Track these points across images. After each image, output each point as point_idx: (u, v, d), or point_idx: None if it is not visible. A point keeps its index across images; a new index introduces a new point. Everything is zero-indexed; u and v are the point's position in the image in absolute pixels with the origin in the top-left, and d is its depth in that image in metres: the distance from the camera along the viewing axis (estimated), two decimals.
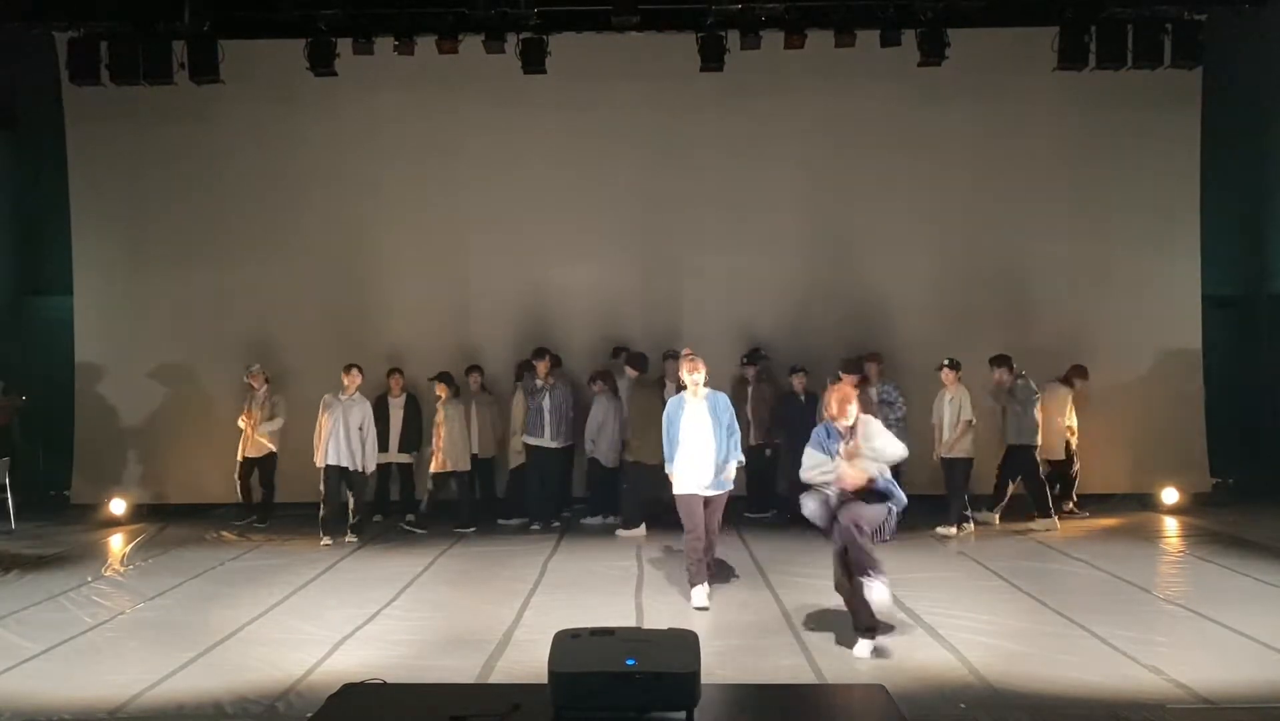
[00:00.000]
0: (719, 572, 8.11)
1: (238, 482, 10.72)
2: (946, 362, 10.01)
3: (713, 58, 10.93)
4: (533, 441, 10.38)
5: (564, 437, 10.46)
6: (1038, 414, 10.07)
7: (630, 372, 10.44)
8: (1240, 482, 11.73)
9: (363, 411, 9.94)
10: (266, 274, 11.72)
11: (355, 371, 9.96)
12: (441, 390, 10.34)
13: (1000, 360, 10.21)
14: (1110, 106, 11.43)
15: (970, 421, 9.90)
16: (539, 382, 10.36)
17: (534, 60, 10.97)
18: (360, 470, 9.93)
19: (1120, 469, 10.99)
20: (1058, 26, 10.81)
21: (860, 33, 10.86)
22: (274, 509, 10.79)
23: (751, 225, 11.66)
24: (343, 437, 9.78)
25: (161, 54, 10.68)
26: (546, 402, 10.31)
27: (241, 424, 10.56)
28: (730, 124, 11.64)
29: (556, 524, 10.44)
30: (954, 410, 9.89)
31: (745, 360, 10.89)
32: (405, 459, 10.89)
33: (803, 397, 10.50)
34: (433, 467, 10.36)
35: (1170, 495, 10.83)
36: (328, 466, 9.80)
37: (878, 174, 11.67)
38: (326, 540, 9.74)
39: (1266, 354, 12.10)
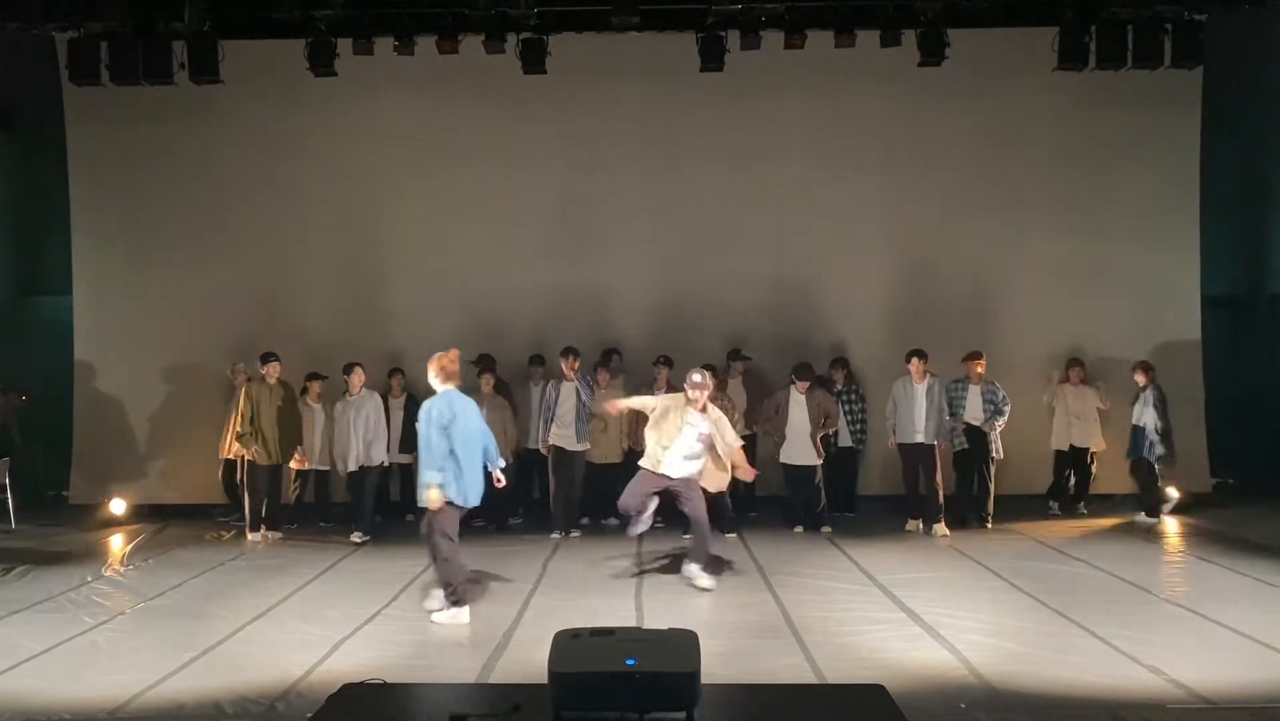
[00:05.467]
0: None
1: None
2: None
3: (713, 58, 10.93)
4: (557, 443, 10.13)
5: (587, 439, 10.21)
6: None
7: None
8: (1240, 482, 11.73)
9: (373, 406, 10.03)
10: (266, 274, 11.73)
11: (358, 370, 10.03)
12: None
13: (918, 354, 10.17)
14: (1110, 106, 11.44)
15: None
16: (565, 383, 10.13)
17: (534, 60, 10.98)
18: (378, 465, 10.04)
19: (1120, 469, 10.97)
20: (1058, 26, 10.81)
21: (860, 33, 10.86)
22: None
23: (751, 224, 11.67)
24: (359, 439, 9.91)
25: (161, 54, 10.67)
26: (572, 403, 10.09)
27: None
28: (730, 124, 11.64)
29: (576, 533, 10.20)
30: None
31: (730, 358, 10.90)
32: (405, 459, 10.85)
33: (839, 387, 10.74)
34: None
35: (1170, 495, 10.82)
36: (351, 473, 9.99)
37: (878, 173, 11.68)
38: (358, 536, 9.89)
39: (1266, 354, 12.10)
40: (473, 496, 7.22)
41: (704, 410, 8.02)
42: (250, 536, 10.00)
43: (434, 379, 7.32)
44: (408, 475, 11.00)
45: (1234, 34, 11.06)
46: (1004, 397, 10.16)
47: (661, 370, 10.31)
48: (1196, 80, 11.42)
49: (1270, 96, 11.76)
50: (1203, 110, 11.57)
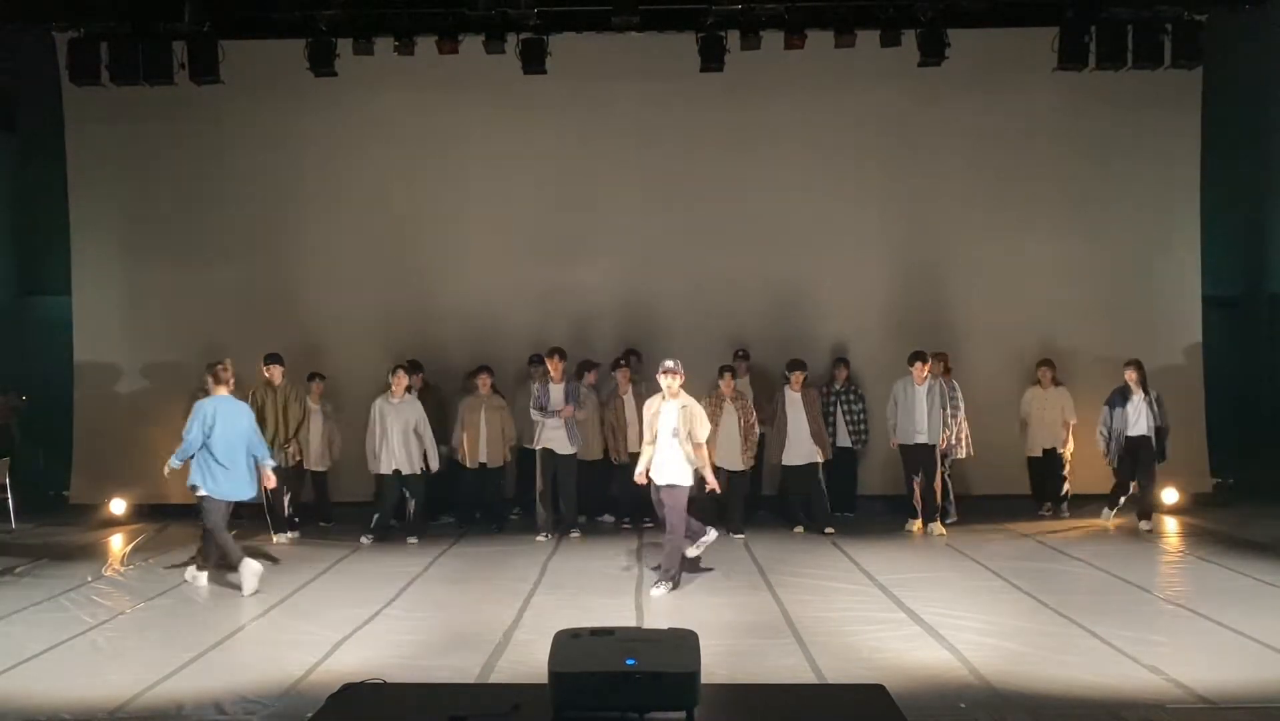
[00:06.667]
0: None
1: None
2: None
3: (713, 58, 10.94)
4: (548, 445, 10.03)
5: (578, 442, 10.11)
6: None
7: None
8: (1240, 482, 11.72)
9: (415, 412, 9.90)
10: (266, 274, 11.74)
11: (401, 372, 9.95)
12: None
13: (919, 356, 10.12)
14: (1110, 106, 11.44)
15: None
16: (552, 385, 10.05)
17: (534, 60, 10.98)
18: (419, 471, 9.93)
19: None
20: (1058, 26, 10.82)
21: (860, 33, 10.88)
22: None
23: (751, 225, 11.67)
24: (398, 442, 9.80)
25: (161, 54, 10.68)
26: (563, 405, 9.99)
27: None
28: (730, 124, 11.65)
29: (576, 533, 10.15)
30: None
31: (735, 357, 10.87)
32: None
33: (839, 386, 10.82)
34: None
35: (1170, 495, 10.82)
36: (383, 475, 9.91)
37: (878, 174, 11.69)
38: (367, 539, 9.83)
39: (1266, 354, 12.10)
40: (235, 492, 8.15)
41: (675, 398, 7.93)
42: (290, 536, 9.99)
43: (209, 384, 8.28)
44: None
45: (1234, 34, 11.06)
46: (954, 404, 10.14)
47: (623, 370, 10.55)
48: (1196, 80, 11.42)
49: (1270, 96, 11.76)
50: (1202, 110, 11.58)
